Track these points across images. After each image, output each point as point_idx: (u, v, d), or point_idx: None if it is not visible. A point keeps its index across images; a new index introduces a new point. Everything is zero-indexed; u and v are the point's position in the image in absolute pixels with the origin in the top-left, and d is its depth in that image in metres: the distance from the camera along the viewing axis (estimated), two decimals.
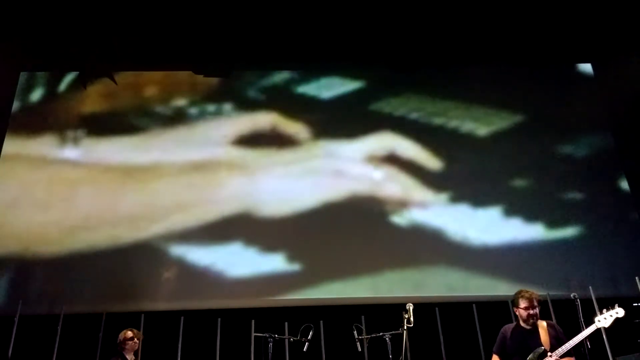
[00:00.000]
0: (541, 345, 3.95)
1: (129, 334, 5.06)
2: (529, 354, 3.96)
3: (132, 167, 7.51)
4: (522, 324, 4.14)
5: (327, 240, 7.12)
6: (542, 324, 4.10)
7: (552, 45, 8.02)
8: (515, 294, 4.21)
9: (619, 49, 7.83)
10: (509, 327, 4.23)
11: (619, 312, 3.85)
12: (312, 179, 7.50)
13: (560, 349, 3.89)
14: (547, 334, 4.02)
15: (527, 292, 4.16)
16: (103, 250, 6.95)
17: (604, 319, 3.85)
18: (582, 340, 4.17)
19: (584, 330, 3.91)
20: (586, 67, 8.48)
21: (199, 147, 7.65)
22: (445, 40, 7.84)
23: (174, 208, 7.23)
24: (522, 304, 4.10)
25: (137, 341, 5.07)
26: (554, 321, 5.82)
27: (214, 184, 7.45)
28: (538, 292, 6.14)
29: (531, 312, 4.06)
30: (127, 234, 7.08)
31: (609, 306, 3.91)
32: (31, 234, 7.01)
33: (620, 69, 7.93)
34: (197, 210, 7.23)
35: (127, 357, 4.99)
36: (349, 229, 7.18)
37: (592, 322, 3.90)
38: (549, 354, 3.90)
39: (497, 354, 4.21)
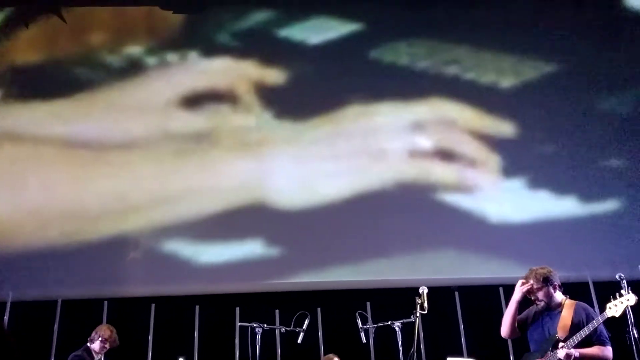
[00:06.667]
0: (555, 331, 3.52)
1: (111, 335, 4.62)
2: (544, 341, 3.58)
3: (74, 140, 6.37)
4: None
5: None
6: (570, 304, 3.61)
7: None
8: None
9: None
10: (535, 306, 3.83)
11: (630, 299, 3.52)
12: None
13: (572, 339, 3.45)
14: (570, 317, 3.56)
15: (528, 272, 3.70)
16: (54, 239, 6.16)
17: (615, 306, 3.52)
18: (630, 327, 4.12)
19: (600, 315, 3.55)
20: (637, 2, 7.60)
21: (149, 112, 6.59)
22: None
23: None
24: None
25: (107, 347, 4.63)
26: (597, 305, 5.34)
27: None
28: (576, 273, 5.99)
29: (532, 297, 3.65)
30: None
31: (619, 293, 3.59)
32: None
33: None
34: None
35: (94, 355, 4.60)
36: None
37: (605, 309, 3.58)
38: (561, 344, 3.46)
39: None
